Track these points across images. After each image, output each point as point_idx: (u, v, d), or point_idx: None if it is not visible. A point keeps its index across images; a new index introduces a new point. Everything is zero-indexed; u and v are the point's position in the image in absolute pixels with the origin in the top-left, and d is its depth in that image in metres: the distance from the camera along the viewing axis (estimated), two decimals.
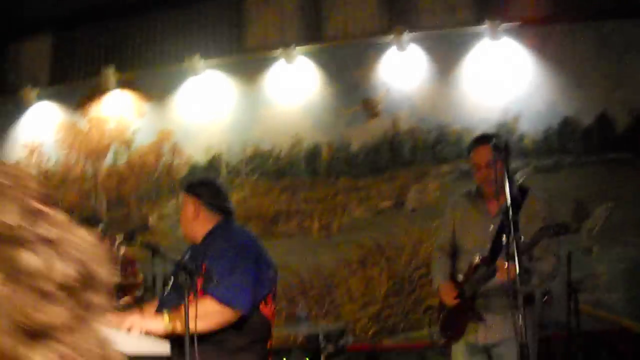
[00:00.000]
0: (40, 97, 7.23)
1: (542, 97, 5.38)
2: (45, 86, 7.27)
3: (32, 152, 7.27)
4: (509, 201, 2.75)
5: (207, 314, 2.87)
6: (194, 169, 6.44)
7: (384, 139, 5.76)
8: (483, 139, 3.37)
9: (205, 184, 3.37)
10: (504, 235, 3.10)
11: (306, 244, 5.91)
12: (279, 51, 6.11)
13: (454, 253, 3.57)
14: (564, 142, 5.28)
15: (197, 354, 2.65)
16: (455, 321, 3.41)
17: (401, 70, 5.80)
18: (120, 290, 5.15)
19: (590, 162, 5.21)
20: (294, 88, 6.12)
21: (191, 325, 2.68)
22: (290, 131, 6.08)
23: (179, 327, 2.80)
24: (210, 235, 3.23)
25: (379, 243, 5.63)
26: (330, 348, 4.61)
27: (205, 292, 2.96)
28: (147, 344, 2.74)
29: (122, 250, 5.23)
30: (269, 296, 3.20)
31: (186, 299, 2.70)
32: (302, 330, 5.09)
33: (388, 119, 5.76)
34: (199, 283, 3.01)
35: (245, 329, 3.06)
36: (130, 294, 5.16)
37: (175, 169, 6.51)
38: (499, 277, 3.12)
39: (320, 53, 6.08)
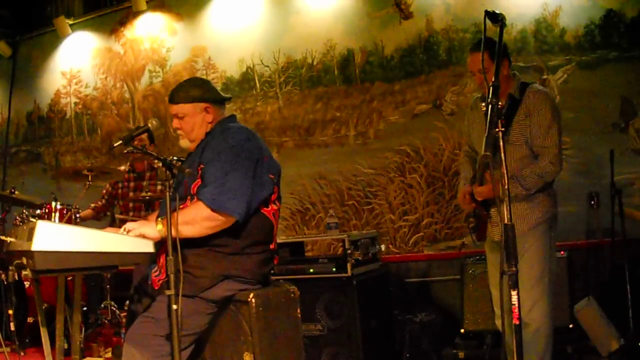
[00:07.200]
0: (74, 28, 7.37)
1: None
2: (79, 16, 7.38)
3: (70, 79, 7.40)
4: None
5: (197, 219, 2.75)
6: (228, 83, 6.45)
7: (418, 40, 5.60)
8: (473, 46, 3.45)
9: (203, 84, 3.10)
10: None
11: (342, 153, 5.86)
12: None
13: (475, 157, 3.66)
14: (607, 36, 5.03)
15: (180, 258, 2.56)
16: (478, 222, 3.52)
17: None
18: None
19: (636, 57, 4.93)
20: None
21: (180, 231, 2.61)
22: (322, 38, 5.98)
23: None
24: (208, 135, 3.04)
25: (417, 149, 5.55)
26: (358, 255, 4.42)
27: (197, 195, 2.82)
28: (131, 243, 2.67)
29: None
30: (271, 197, 3.01)
31: (167, 198, 2.58)
32: (329, 238, 4.91)
33: (421, 20, 5.58)
34: (194, 186, 2.88)
35: (243, 231, 2.88)
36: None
37: None
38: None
39: None
